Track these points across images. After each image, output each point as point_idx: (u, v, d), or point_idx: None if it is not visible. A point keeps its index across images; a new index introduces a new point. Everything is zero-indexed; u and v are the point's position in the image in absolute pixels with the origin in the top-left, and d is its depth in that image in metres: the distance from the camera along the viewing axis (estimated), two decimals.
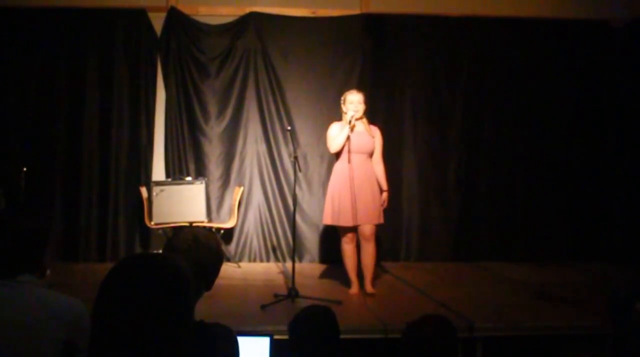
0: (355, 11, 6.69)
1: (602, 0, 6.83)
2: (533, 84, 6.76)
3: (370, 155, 4.95)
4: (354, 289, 4.94)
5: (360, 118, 4.92)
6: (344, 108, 4.93)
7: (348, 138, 4.81)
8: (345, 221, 4.82)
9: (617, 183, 6.80)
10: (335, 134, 4.91)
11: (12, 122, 6.30)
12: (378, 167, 4.98)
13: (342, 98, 4.99)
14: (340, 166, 4.91)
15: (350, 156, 4.81)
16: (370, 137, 4.95)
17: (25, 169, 5.73)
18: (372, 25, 6.64)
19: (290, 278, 4.74)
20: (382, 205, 4.95)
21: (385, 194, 5.00)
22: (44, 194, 6.26)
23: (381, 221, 4.95)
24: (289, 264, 5.51)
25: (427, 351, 2.24)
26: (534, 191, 6.76)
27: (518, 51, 6.75)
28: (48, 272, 2.00)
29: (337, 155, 4.94)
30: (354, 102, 4.89)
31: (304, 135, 6.58)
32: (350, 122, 4.81)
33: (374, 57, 6.64)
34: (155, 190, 5.91)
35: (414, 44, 6.69)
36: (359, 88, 5.12)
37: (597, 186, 6.78)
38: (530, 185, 6.77)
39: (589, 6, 6.80)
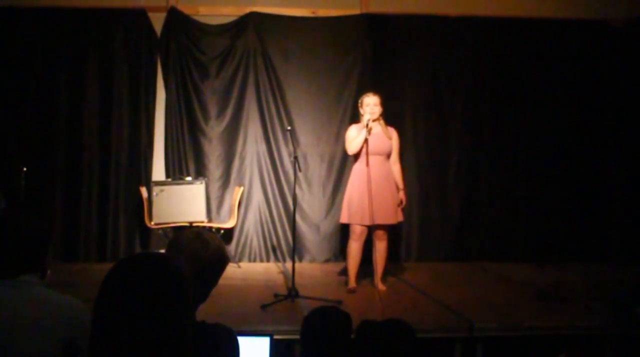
0: (355, 11, 6.68)
1: (602, 0, 6.83)
2: (533, 84, 6.75)
3: (388, 156, 5.09)
4: (352, 284, 5.01)
5: (377, 120, 5.01)
6: (361, 111, 5.04)
7: (366, 140, 4.88)
8: (362, 220, 4.92)
9: (616, 183, 6.80)
10: (353, 137, 5.02)
11: (12, 122, 6.30)
12: (395, 167, 5.12)
13: (359, 101, 5.10)
14: (358, 168, 5.01)
15: (368, 158, 4.88)
16: (387, 139, 5.06)
17: (25, 169, 5.73)
18: (372, 25, 6.63)
19: (290, 278, 4.74)
20: (400, 204, 5.10)
21: (402, 193, 5.14)
22: (44, 194, 6.25)
23: (399, 219, 5.12)
24: (289, 264, 5.51)
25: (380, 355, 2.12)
26: (534, 190, 6.75)
27: (518, 51, 6.74)
28: (49, 272, 2.00)
29: (356, 157, 5.05)
30: (369, 104, 4.98)
31: (304, 135, 6.58)
32: (367, 125, 4.89)
33: (374, 57, 6.64)
34: (155, 190, 5.91)
35: (414, 44, 6.69)
36: (374, 90, 5.20)
37: (597, 186, 6.78)
38: (530, 185, 6.76)
39: (589, 6, 6.79)
